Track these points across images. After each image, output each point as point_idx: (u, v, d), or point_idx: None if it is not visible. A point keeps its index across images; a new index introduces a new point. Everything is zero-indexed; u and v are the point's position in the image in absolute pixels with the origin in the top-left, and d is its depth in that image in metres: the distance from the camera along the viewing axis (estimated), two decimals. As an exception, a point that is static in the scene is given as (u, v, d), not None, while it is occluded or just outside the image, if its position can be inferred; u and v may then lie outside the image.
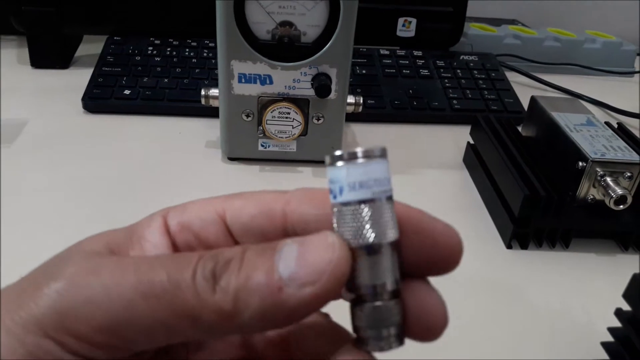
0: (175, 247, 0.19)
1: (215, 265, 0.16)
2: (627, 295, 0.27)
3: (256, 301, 0.15)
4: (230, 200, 0.19)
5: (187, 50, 0.65)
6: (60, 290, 0.15)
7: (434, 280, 0.19)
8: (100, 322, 0.15)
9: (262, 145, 0.49)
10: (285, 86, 0.46)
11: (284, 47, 0.44)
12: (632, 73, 0.80)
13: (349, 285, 0.16)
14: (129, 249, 0.18)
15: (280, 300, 0.15)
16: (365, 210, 0.16)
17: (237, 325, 0.16)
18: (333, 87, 0.46)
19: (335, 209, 0.16)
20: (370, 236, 0.16)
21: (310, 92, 0.46)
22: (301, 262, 0.15)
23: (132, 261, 0.16)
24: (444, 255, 0.18)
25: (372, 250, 0.16)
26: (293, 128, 0.47)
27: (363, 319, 0.16)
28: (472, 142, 0.53)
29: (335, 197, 0.16)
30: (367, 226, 0.16)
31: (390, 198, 0.16)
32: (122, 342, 0.16)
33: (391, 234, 0.16)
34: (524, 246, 0.42)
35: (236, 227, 0.19)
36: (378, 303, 0.16)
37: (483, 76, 0.67)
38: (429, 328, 0.18)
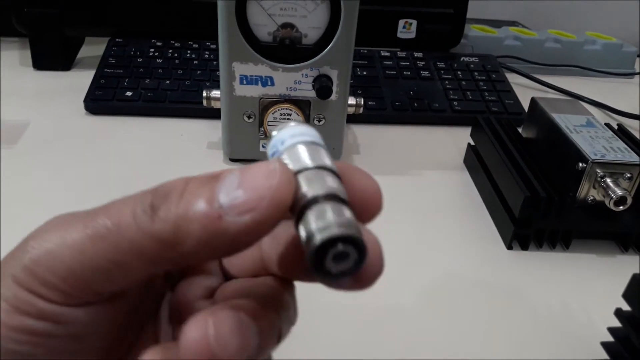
0: None
1: (154, 198, 0.16)
2: (627, 296, 0.28)
3: (197, 229, 0.15)
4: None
5: (189, 52, 0.66)
6: (29, 247, 0.17)
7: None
8: (60, 269, 0.16)
9: (264, 147, 0.49)
10: (287, 88, 0.46)
11: (285, 49, 0.44)
12: (632, 74, 0.80)
13: (292, 209, 0.16)
14: None
15: (220, 228, 0.15)
16: (302, 147, 0.17)
17: (180, 254, 0.16)
18: (334, 88, 0.46)
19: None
20: (308, 163, 0.16)
21: (312, 94, 0.46)
22: (241, 189, 0.15)
23: (85, 212, 0.17)
24: (364, 201, 0.17)
25: (310, 171, 0.16)
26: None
27: (308, 222, 0.15)
28: (472, 143, 0.53)
29: (277, 151, 0.17)
30: (305, 156, 0.16)
31: (318, 144, 0.17)
32: (85, 286, 0.16)
33: (327, 161, 0.17)
34: (524, 247, 0.42)
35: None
36: (320, 205, 0.16)
37: (483, 77, 0.68)
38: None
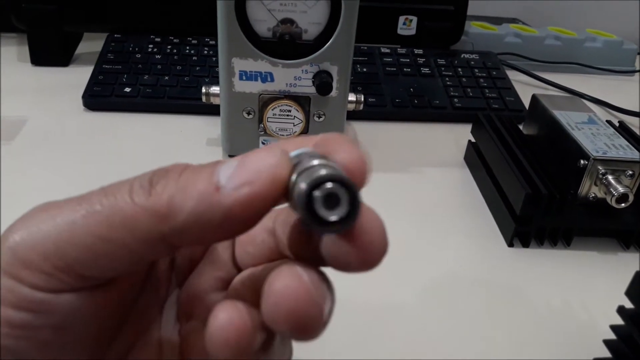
0: None
1: (154, 174, 0.16)
2: (629, 293, 0.27)
3: (191, 203, 0.15)
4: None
5: (188, 48, 0.65)
6: (13, 230, 0.16)
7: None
8: (45, 247, 0.15)
9: (263, 143, 0.49)
10: (287, 84, 0.45)
11: (285, 45, 0.44)
12: (632, 72, 0.80)
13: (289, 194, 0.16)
14: None
15: (216, 200, 0.15)
16: (315, 158, 0.16)
17: (172, 229, 0.15)
18: (334, 84, 0.45)
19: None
20: (315, 162, 0.16)
21: (312, 90, 0.46)
22: (241, 166, 0.15)
23: (78, 196, 0.17)
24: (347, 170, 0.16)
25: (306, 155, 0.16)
26: (294, 126, 0.47)
27: (298, 182, 0.15)
28: (473, 140, 0.53)
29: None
30: (314, 159, 0.16)
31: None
32: (71, 267, 0.16)
33: (337, 169, 0.16)
34: (525, 244, 0.42)
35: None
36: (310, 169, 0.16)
37: (484, 74, 0.67)
38: (368, 252, 0.16)
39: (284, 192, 0.16)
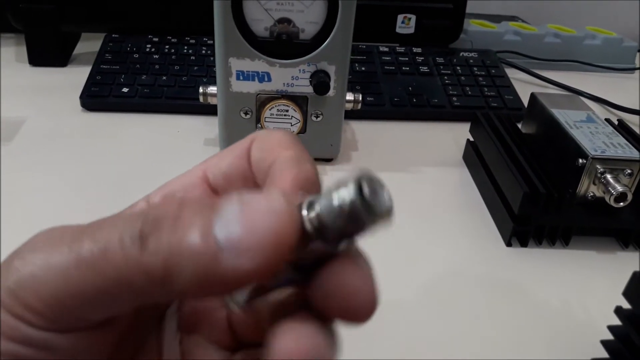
0: None
1: (144, 224, 0.15)
2: (627, 293, 0.27)
3: (190, 267, 0.14)
4: (207, 161, 0.20)
5: (186, 47, 0.65)
6: (13, 268, 0.15)
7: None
8: (45, 295, 0.15)
9: (261, 143, 0.48)
10: (284, 83, 0.45)
11: (282, 44, 0.44)
12: (632, 69, 0.80)
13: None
14: None
15: (215, 269, 0.14)
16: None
17: (171, 291, 0.15)
18: (332, 84, 0.45)
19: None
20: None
21: (309, 90, 0.45)
22: (241, 225, 0.14)
23: (70, 229, 0.16)
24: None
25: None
26: (292, 125, 0.47)
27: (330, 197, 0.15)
28: (471, 139, 0.52)
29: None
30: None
31: None
32: (70, 313, 0.15)
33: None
34: (523, 244, 0.42)
35: (218, 180, 0.19)
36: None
37: (483, 73, 0.67)
38: (354, 309, 0.16)
39: (292, 252, 0.15)
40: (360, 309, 0.16)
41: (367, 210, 0.14)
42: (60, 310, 0.15)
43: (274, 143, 0.19)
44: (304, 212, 0.15)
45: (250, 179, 0.19)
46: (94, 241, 0.15)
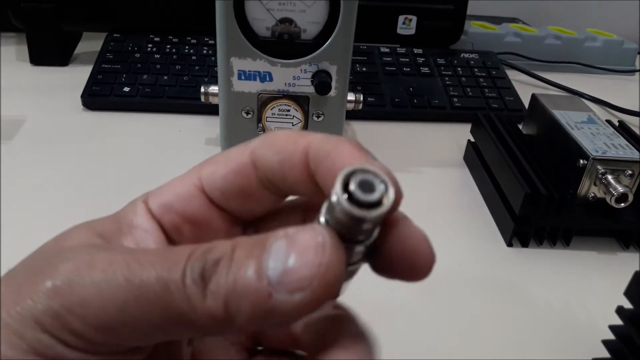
0: (163, 230, 0.19)
1: (204, 265, 0.15)
2: (628, 293, 0.27)
3: (247, 307, 0.15)
4: (202, 169, 0.19)
5: (187, 47, 0.65)
6: (55, 288, 0.15)
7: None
8: (95, 322, 0.15)
9: (262, 143, 0.48)
10: (285, 83, 0.45)
11: (284, 44, 0.44)
12: (632, 71, 0.80)
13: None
14: (122, 238, 0.18)
15: (270, 306, 0.14)
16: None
17: (230, 328, 0.15)
18: (333, 84, 0.45)
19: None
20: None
21: (310, 90, 0.45)
22: (290, 264, 0.15)
23: (123, 257, 0.16)
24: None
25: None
26: (293, 125, 0.47)
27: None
28: (472, 140, 0.53)
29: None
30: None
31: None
32: (119, 340, 0.16)
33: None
34: (524, 244, 0.42)
35: (215, 194, 0.19)
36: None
37: (484, 74, 0.67)
38: (415, 264, 0.17)
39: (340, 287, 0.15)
40: (423, 266, 0.18)
41: (359, 207, 0.15)
42: (106, 337, 0.15)
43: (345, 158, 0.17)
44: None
45: (253, 195, 0.19)
46: (155, 276, 0.15)
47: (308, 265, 0.14)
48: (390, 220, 0.17)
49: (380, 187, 0.15)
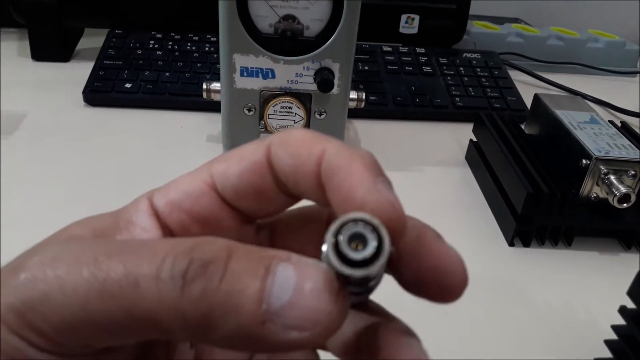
0: (168, 230, 0.18)
1: (189, 263, 0.14)
2: (631, 293, 0.27)
3: (233, 325, 0.13)
4: (213, 166, 0.18)
5: (189, 44, 0.65)
6: (20, 284, 0.14)
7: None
8: (56, 320, 0.14)
9: (264, 140, 0.48)
10: (288, 80, 0.45)
11: (287, 41, 0.44)
12: (634, 73, 0.80)
13: None
14: (116, 234, 0.17)
15: (260, 333, 0.13)
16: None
17: (202, 338, 0.14)
18: (336, 82, 0.45)
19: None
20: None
21: (313, 87, 0.45)
22: (296, 301, 0.13)
23: (91, 249, 0.14)
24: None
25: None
26: (295, 123, 0.47)
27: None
28: (474, 139, 0.52)
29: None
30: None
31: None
32: (82, 340, 0.14)
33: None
34: (526, 244, 0.42)
35: (228, 192, 0.18)
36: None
37: (486, 74, 0.67)
38: (446, 285, 0.16)
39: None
40: (455, 287, 0.16)
41: (347, 264, 0.14)
42: (71, 337, 0.14)
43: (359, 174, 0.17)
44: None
45: (267, 194, 0.18)
46: (123, 268, 0.14)
47: (316, 308, 0.13)
48: (423, 239, 0.16)
49: (372, 244, 0.14)
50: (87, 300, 0.14)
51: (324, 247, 0.14)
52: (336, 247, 0.14)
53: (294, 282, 0.14)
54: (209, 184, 0.18)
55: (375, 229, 0.14)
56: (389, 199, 0.15)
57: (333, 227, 0.14)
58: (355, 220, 0.14)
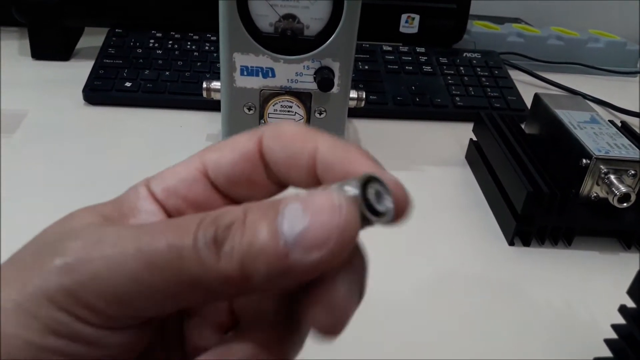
0: (168, 214, 0.19)
1: (217, 230, 0.15)
2: (631, 292, 0.27)
3: (263, 267, 0.15)
4: (206, 154, 0.19)
5: (189, 43, 0.65)
6: (66, 266, 0.15)
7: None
8: (109, 294, 0.15)
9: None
10: (288, 79, 0.45)
11: (287, 40, 0.44)
12: (635, 73, 0.80)
13: None
14: (124, 219, 0.18)
15: (287, 265, 0.15)
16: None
17: (246, 289, 0.15)
18: (336, 81, 0.45)
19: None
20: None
21: (313, 86, 0.45)
22: (307, 224, 0.15)
23: (132, 231, 0.16)
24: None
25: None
26: (295, 122, 0.47)
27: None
28: (474, 139, 0.52)
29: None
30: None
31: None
32: (133, 312, 0.16)
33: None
34: (526, 243, 0.42)
35: (220, 180, 0.19)
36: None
37: (486, 74, 0.67)
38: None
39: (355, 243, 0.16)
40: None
41: (370, 211, 0.16)
42: (122, 309, 0.15)
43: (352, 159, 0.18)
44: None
45: (257, 182, 0.19)
46: (166, 245, 0.15)
47: (325, 225, 0.15)
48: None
49: (388, 203, 0.17)
50: (138, 274, 0.15)
51: (351, 192, 0.16)
52: (364, 196, 0.16)
53: (301, 212, 0.15)
54: (201, 171, 0.19)
55: (388, 192, 0.17)
56: (393, 178, 0.17)
57: (365, 176, 0.16)
58: (379, 181, 0.17)
